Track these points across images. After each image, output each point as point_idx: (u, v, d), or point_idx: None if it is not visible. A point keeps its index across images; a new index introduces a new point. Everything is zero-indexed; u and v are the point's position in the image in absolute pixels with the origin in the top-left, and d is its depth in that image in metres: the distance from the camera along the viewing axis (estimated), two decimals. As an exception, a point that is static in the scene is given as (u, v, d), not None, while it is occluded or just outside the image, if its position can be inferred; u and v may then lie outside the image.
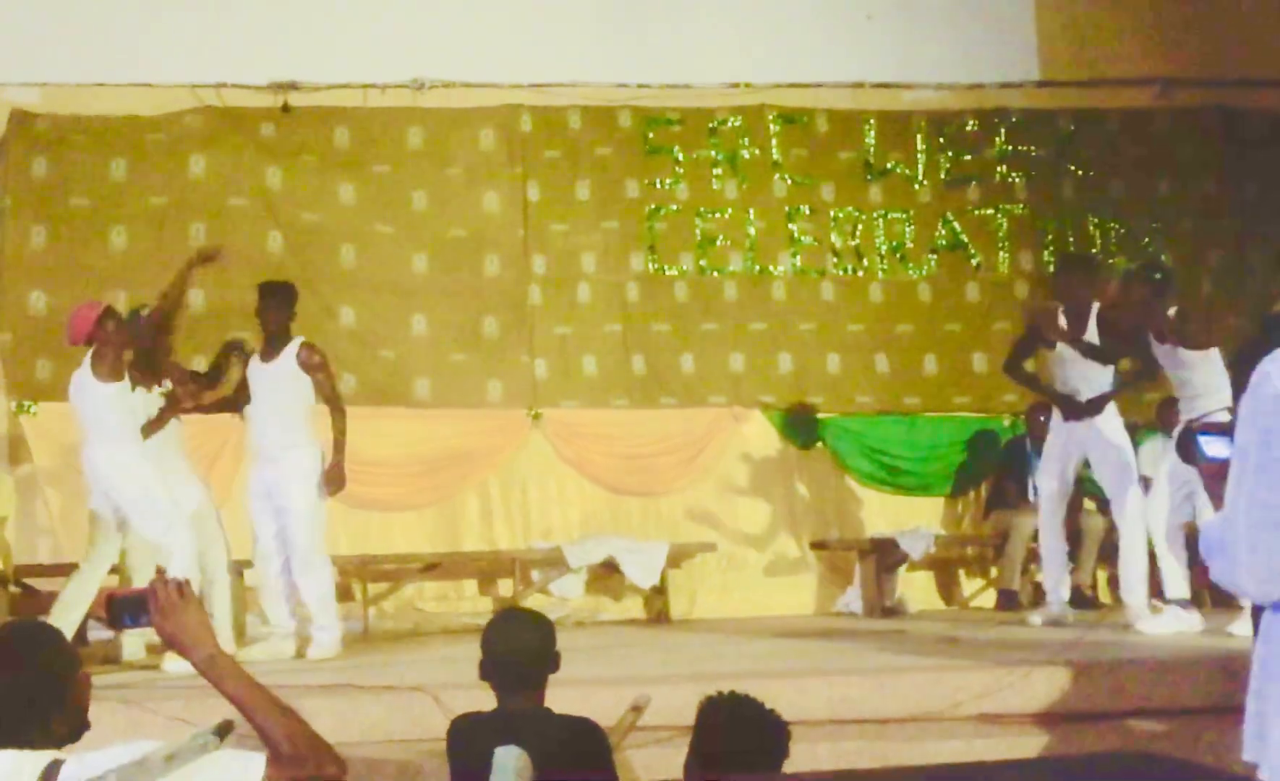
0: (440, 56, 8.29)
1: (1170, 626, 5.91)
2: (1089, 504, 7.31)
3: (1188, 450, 2.26)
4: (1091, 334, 6.22)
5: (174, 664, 5.59)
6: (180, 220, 8.01)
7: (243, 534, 6.27)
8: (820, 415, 8.44)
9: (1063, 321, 6.29)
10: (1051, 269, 8.56)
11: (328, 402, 6.09)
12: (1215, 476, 2.10)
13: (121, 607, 2.21)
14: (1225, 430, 2.11)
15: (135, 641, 5.95)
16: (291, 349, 6.07)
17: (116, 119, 8.01)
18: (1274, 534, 1.92)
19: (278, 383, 6.05)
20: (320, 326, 8.12)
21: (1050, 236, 8.70)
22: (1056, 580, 6.52)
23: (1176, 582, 6.03)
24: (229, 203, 8.07)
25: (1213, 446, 2.16)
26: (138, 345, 6.06)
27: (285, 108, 8.16)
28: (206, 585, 6.05)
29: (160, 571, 3.27)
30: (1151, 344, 6.04)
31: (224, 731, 1.59)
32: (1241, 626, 5.65)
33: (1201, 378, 5.90)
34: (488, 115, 8.44)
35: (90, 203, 7.97)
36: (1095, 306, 6.25)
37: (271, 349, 6.11)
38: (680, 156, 8.56)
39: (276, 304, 6.09)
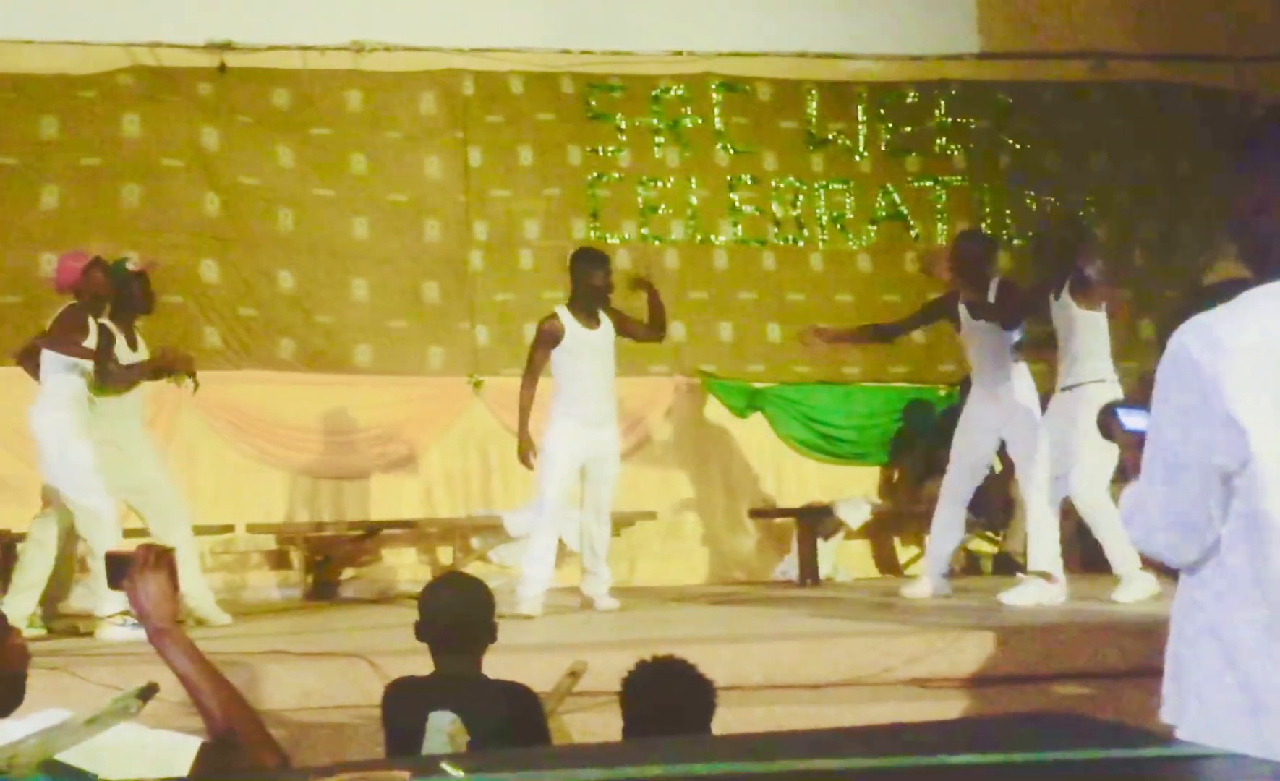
0: (381, 19, 8.19)
1: (1031, 598, 5.87)
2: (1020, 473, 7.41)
3: (1107, 425, 2.32)
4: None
5: (107, 632, 5.56)
6: (113, 180, 7.86)
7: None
8: (758, 384, 8.50)
9: (963, 300, 6.32)
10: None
11: (655, 330, 6.42)
12: (1134, 448, 2.15)
13: (113, 565, 2.19)
14: (1144, 404, 2.16)
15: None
16: (607, 319, 6.24)
17: (47, 77, 7.83)
18: (1187, 501, 1.97)
19: (601, 350, 6.20)
20: (258, 290, 8.06)
21: (988, 208, 8.80)
22: (942, 552, 6.47)
23: (1045, 555, 5.99)
24: (163, 163, 7.93)
25: (1132, 419, 2.22)
26: (127, 298, 6.10)
27: (222, 68, 8.02)
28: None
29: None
30: (1051, 305, 6.05)
31: (147, 694, 1.57)
32: (1124, 592, 5.77)
33: (1085, 342, 5.90)
34: (429, 79, 8.36)
35: (20, 162, 7.80)
36: (995, 282, 6.28)
37: (593, 318, 6.20)
38: (622, 124, 8.54)
39: (603, 271, 6.18)
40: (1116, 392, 5.67)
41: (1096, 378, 5.77)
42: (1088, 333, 5.92)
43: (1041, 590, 5.95)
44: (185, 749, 1.95)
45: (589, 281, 6.20)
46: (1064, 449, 5.81)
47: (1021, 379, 6.31)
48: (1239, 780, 1.73)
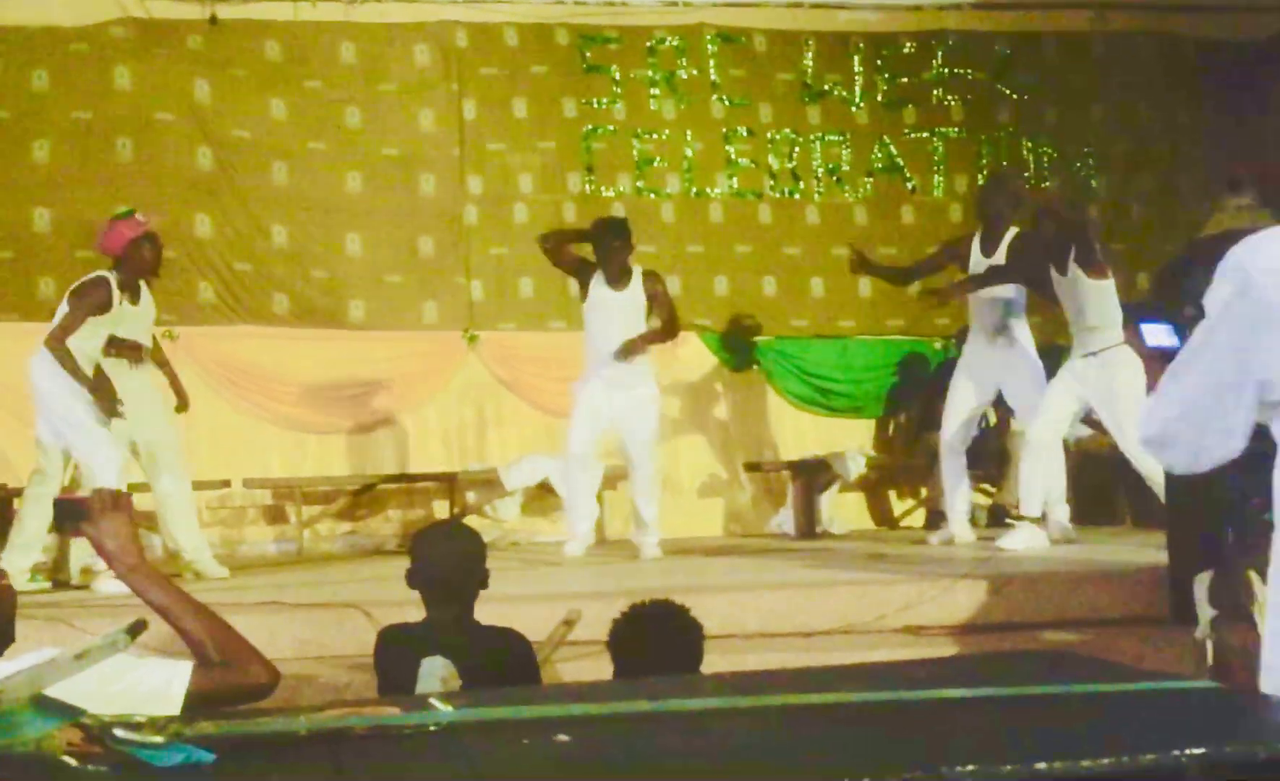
0: (373, -31, 8.12)
1: (1022, 542, 6.05)
2: (1016, 424, 7.43)
3: (1130, 338, 2.29)
4: (1000, 259, 6.38)
5: (106, 585, 5.58)
6: (106, 134, 7.80)
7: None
8: (756, 337, 8.50)
9: (978, 241, 6.45)
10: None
11: (666, 320, 6.50)
12: (1155, 363, 2.11)
13: (63, 511, 2.25)
14: (1168, 318, 2.13)
15: (80, 555, 5.96)
16: (637, 278, 6.41)
17: (37, 29, 7.75)
18: (1213, 394, 1.89)
19: (626, 309, 6.37)
20: (251, 245, 8.02)
21: (985, 160, 8.74)
22: (959, 503, 6.66)
23: (1036, 501, 6.19)
24: (156, 117, 7.87)
25: (1154, 335, 2.19)
26: (137, 259, 6.00)
27: (213, 20, 7.94)
28: (163, 508, 6.10)
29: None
30: (1052, 276, 6.12)
31: (136, 630, 1.59)
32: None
33: (1102, 310, 5.98)
34: (422, 31, 8.29)
35: (10, 115, 7.74)
36: (1011, 233, 6.39)
37: (618, 278, 6.37)
38: (618, 76, 8.48)
39: (625, 240, 6.37)
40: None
41: (1119, 341, 5.74)
42: (1102, 300, 5.99)
43: (1032, 535, 6.11)
44: (180, 671, 1.98)
45: (600, 247, 6.39)
46: (1110, 412, 5.90)
47: (1021, 329, 6.43)
48: (1229, 713, 1.74)
